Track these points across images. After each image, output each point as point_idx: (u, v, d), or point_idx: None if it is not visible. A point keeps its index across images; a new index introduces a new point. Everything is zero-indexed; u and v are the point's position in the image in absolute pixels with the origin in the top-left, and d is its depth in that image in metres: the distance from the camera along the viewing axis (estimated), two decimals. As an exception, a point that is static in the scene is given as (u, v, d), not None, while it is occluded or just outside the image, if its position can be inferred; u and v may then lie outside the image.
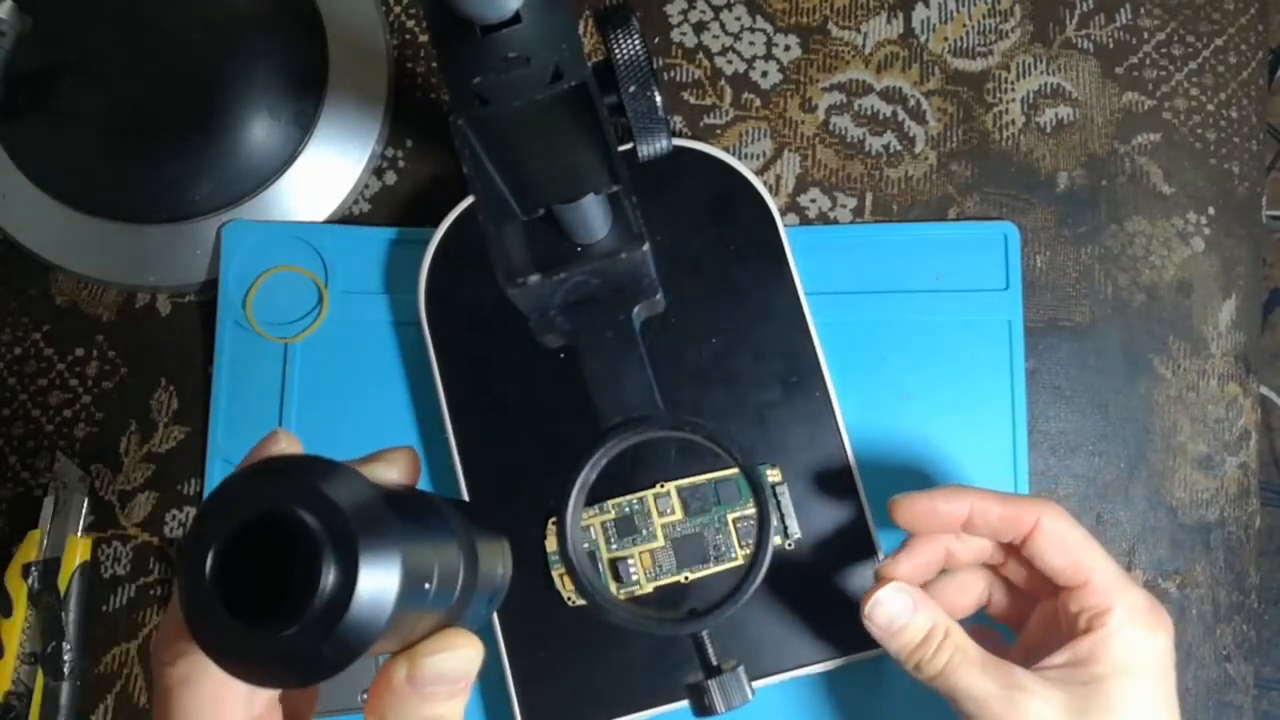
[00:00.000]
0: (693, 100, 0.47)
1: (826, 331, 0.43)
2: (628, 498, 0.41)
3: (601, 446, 0.31)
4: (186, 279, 0.45)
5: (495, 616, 0.40)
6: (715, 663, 0.31)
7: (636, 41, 0.30)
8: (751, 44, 0.47)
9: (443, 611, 0.22)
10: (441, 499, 0.25)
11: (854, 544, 0.41)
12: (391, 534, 0.19)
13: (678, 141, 0.44)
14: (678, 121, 0.46)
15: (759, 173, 0.45)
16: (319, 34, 0.46)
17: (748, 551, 0.41)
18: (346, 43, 0.46)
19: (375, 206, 0.47)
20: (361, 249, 0.45)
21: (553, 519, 0.41)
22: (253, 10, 0.46)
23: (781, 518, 0.41)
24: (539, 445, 0.41)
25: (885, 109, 0.46)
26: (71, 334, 0.46)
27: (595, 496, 0.41)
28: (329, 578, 0.18)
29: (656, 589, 0.41)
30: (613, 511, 0.41)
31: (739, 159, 0.44)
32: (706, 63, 0.47)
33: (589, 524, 0.41)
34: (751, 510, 0.41)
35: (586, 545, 0.41)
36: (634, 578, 0.41)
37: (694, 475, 0.41)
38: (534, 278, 0.30)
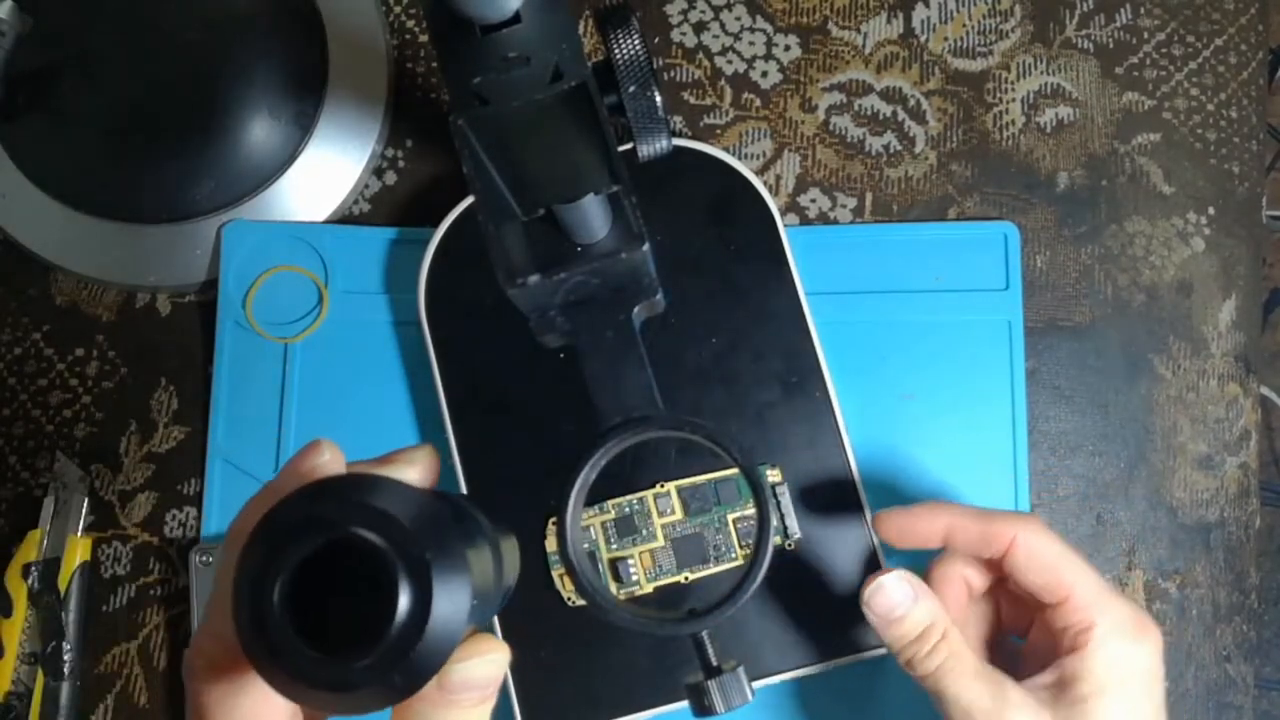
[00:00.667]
0: (693, 100, 0.47)
1: (826, 331, 0.43)
2: (628, 498, 0.41)
3: (601, 446, 0.31)
4: (186, 279, 0.45)
5: (495, 617, 0.40)
6: (715, 663, 0.31)
7: (636, 41, 0.30)
8: (751, 44, 0.47)
9: (479, 618, 0.22)
10: (464, 500, 0.25)
11: (853, 544, 0.41)
12: (459, 552, 0.19)
13: (678, 141, 0.44)
14: (678, 121, 0.46)
15: (759, 173, 0.45)
16: (319, 34, 0.46)
17: (748, 551, 0.41)
18: (346, 43, 0.46)
19: (375, 206, 0.47)
20: (361, 249, 0.45)
21: (553, 519, 0.41)
22: (253, 10, 0.46)
23: (781, 518, 0.41)
24: (539, 445, 0.41)
25: (885, 109, 0.46)
26: (71, 334, 0.46)
27: (595, 496, 0.41)
28: (404, 603, 0.18)
29: (656, 589, 0.41)
30: (613, 511, 0.41)
31: (739, 159, 0.44)
32: (706, 63, 0.47)
33: (589, 524, 0.41)
34: (751, 510, 0.41)
35: (586, 545, 0.41)
36: (634, 578, 0.41)
37: (694, 475, 0.41)
38: (534, 278, 0.30)
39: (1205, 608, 0.43)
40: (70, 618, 0.43)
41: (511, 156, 0.27)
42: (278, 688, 0.18)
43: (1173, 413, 0.45)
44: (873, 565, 0.41)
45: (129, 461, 0.45)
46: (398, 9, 0.48)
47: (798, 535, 0.41)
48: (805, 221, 0.46)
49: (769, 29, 0.47)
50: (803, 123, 0.46)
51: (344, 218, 0.46)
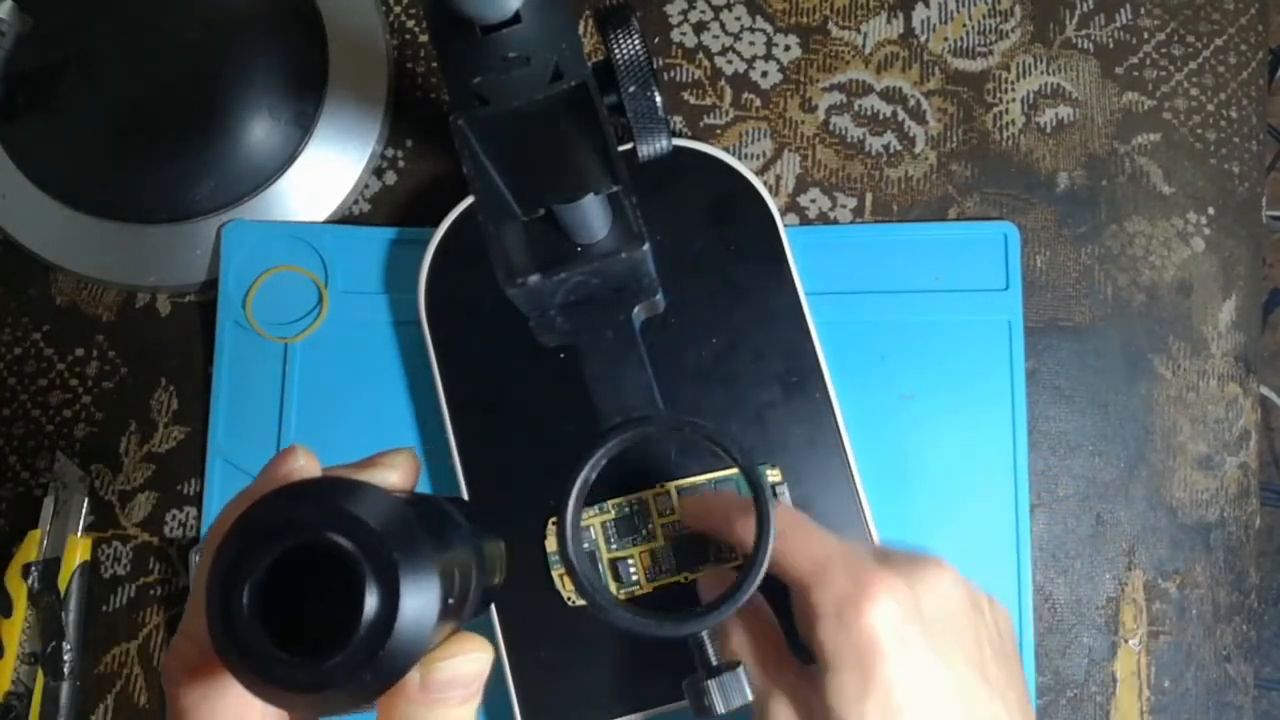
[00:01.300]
0: (693, 100, 0.47)
1: (826, 331, 0.43)
2: (628, 498, 0.41)
3: (601, 446, 0.31)
4: (186, 279, 0.45)
5: (495, 617, 0.40)
6: (715, 663, 0.31)
7: (636, 41, 0.30)
8: (751, 44, 0.47)
9: (458, 618, 0.22)
10: (445, 501, 0.25)
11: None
12: (426, 555, 0.19)
13: (678, 141, 0.44)
14: (678, 121, 0.46)
15: (759, 173, 0.45)
16: (319, 34, 0.46)
17: (748, 551, 0.41)
18: (346, 43, 0.46)
19: (375, 206, 0.47)
20: (361, 249, 0.45)
21: (553, 519, 0.41)
22: (253, 10, 0.46)
23: (781, 518, 0.41)
24: (539, 445, 0.41)
25: (885, 109, 0.46)
26: (71, 334, 0.46)
27: (595, 496, 0.41)
28: (371, 604, 0.18)
29: (656, 589, 0.41)
30: (613, 511, 0.41)
31: (739, 159, 0.44)
32: (706, 63, 0.47)
33: (589, 524, 0.41)
34: (751, 510, 0.41)
35: (586, 545, 0.41)
36: (634, 578, 0.41)
37: (694, 475, 0.41)
38: (534, 278, 0.30)
39: (1205, 608, 0.43)
40: (70, 618, 0.43)
41: (511, 156, 0.27)
42: (249, 688, 0.19)
43: (1173, 413, 0.45)
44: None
45: (129, 461, 0.45)
46: (398, 9, 0.48)
47: (798, 535, 0.41)
48: (805, 221, 0.46)
49: (769, 29, 0.47)
50: (803, 123, 0.46)
51: (344, 218, 0.46)
